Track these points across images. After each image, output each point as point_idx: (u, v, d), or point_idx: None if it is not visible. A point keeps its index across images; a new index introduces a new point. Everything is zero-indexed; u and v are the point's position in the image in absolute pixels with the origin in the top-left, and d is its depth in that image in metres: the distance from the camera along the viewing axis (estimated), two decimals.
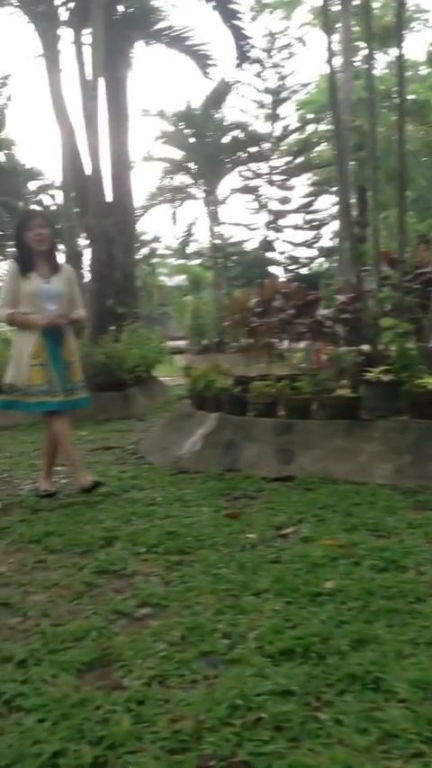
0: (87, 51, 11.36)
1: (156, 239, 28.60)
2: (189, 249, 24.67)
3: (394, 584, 2.74)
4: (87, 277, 11.44)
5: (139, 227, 23.22)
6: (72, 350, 4.61)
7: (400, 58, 6.26)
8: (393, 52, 20.82)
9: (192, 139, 19.97)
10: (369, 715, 1.85)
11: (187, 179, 21.53)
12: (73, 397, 4.54)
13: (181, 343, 18.52)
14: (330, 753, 1.68)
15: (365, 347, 5.62)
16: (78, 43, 12.08)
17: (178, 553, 3.29)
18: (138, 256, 21.39)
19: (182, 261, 26.95)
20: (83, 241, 13.06)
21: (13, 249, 4.88)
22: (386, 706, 1.90)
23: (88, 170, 11.01)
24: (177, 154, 20.94)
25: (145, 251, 27.47)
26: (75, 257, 11.69)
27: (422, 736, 1.76)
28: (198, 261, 26.16)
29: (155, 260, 29.99)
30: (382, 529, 3.52)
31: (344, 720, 1.83)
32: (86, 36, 11.62)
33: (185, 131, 20.02)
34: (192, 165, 20.71)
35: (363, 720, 1.83)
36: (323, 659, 2.16)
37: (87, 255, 11.98)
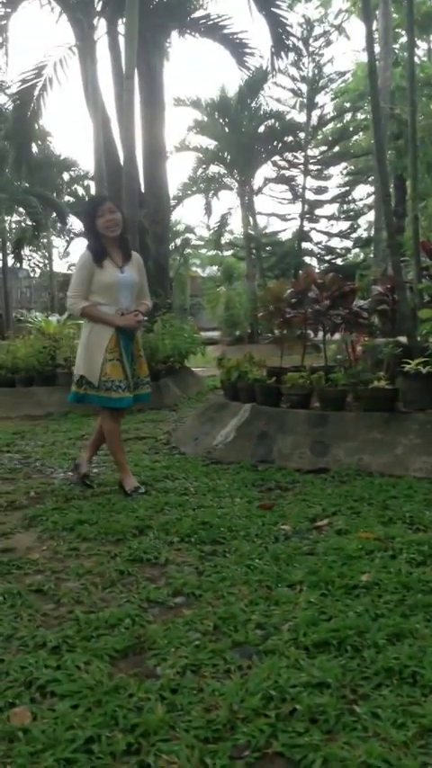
0: (122, 41, 11.37)
1: (189, 230, 28.64)
2: (223, 240, 24.61)
3: None
4: None
5: (173, 217, 23.26)
6: (140, 344, 4.49)
7: None
8: None
9: (226, 129, 19.85)
10: (406, 709, 1.82)
11: (221, 169, 21.43)
12: (139, 392, 4.43)
13: (214, 334, 18.55)
14: (367, 746, 1.65)
15: (403, 339, 5.53)
16: (113, 33, 12.10)
17: (211, 543, 3.28)
18: (171, 247, 21.42)
19: (215, 252, 26.92)
20: None
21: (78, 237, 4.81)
22: (424, 701, 1.86)
23: (122, 160, 11.03)
24: (211, 144, 20.85)
25: (178, 242, 27.52)
26: None
27: None
28: (231, 251, 26.12)
29: (188, 251, 30.04)
30: (420, 522, 3.46)
31: (380, 714, 1.79)
32: (121, 26, 11.62)
33: (220, 121, 19.91)
34: (226, 155, 20.60)
35: (400, 715, 1.79)
36: (359, 652, 2.13)
37: None
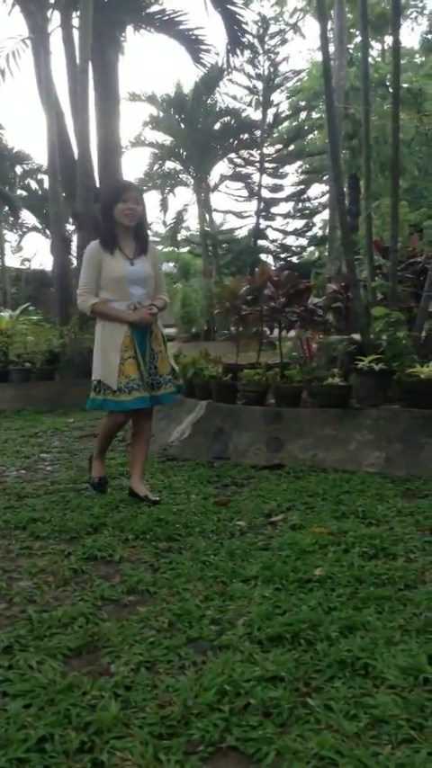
0: (76, 34, 11.23)
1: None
2: (179, 236, 24.56)
3: (384, 572, 2.73)
4: (74, 263, 11.36)
5: None
6: (160, 339, 4.09)
7: (395, 45, 6.22)
8: (388, 40, 20.75)
9: (182, 125, 19.80)
10: (358, 701, 1.84)
11: (177, 165, 21.39)
12: (159, 392, 4.05)
13: (170, 330, 18.48)
14: (319, 738, 1.67)
15: (357, 336, 5.60)
16: (67, 26, 11.94)
17: (167, 540, 3.27)
18: None
19: (171, 248, 26.84)
20: (70, 226, 12.97)
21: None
22: (376, 692, 1.89)
23: (76, 154, 10.91)
24: (167, 140, 20.78)
25: None
26: (63, 243, 11.60)
27: (412, 722, 1.74)
28: (188, 248, 26.09)
29: None
30: (372, 516, 3.52)
31: (333, 706, 1.81)
32: (76, 19, 11.48)
33: (176, 117, 19.86)
34: (182, 152, 20.56)
35: (352, 706, 1.81)
36: (312, 645, 2.15)
37: (75, 241, 11.91)
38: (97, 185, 11.77)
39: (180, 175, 21.60)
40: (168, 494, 4.14)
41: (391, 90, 6.63)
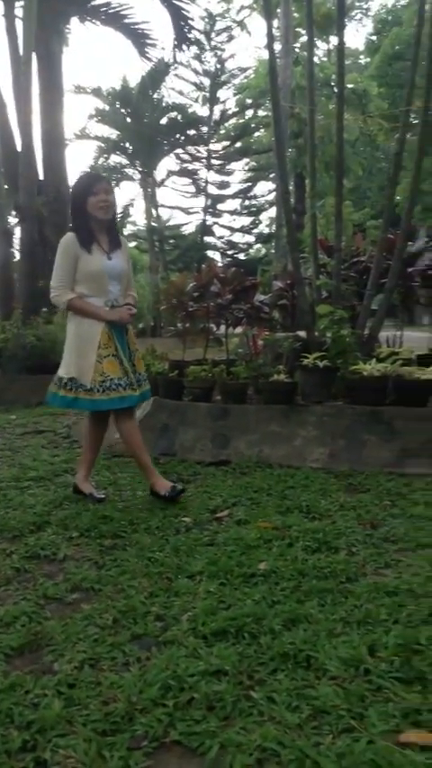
0: (20, 25, 11.03)
1: None
2: (125, 231, 24.37)
3: (326, 565, 2.78)
4: (17, 256, 11.16)
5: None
6: (134, 337, 4.04)
7: (340, 46, 6.30)
8: (333, 40, 20.99)
9: (128, 119, 19.66)
10: (301, 692, 1.87)
11: (123, 159, 21.23)
12: (140, 390, 3.95)
13: None
14: (262, 730, 1.69)
15: (302, 333, 5.67)
16: (10, 16, 11.72)
17: (112, 537, 3.25)
18: None
19: None
20: (13, 219, 12.72)
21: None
22: (317, 683, 1.92)
23: (19, 146, 10.71)
24: (113, 133, 20.59)
25: None
26: (4, 236, 11.39)
27: (352, 711, 1.79)
28: (134, 243, 25.91)
29: None
30: (316, 511, 3.57)
31: (276, 698, 1.84)
32: (19, 9, 11.27)
33: (122, 111, 19.69)
34: (128, 146, 20.41)
35: (294, 698, 1.85)
36: (256, 639, 2.18)
37: (18, 234, 11.69)
38: (41, 177, 11.60)
39: (126, 170, 21.45)
40: (114, 491, 4.12)
41: (335, 90, 6.73)
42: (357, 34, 41.05)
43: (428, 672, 1.96)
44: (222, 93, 20.70)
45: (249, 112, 21.55)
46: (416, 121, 6.32)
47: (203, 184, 21.12)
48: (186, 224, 23.57)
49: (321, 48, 23.43)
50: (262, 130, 21.19)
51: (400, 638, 2.12)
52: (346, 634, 2.20)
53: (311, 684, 1.92)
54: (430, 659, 2.01)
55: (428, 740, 1.67)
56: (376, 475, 4.30)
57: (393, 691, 1.88)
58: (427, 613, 2.32)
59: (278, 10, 14.71)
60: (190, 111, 20.12)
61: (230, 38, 20.24)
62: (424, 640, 2.12)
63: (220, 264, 16.90)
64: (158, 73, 18.09)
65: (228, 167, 21.45)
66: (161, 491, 3.80)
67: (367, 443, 4.61)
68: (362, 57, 27.09)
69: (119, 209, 22.41)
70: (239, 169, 23.08)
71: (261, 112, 21.58)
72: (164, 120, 19.85)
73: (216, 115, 20.66)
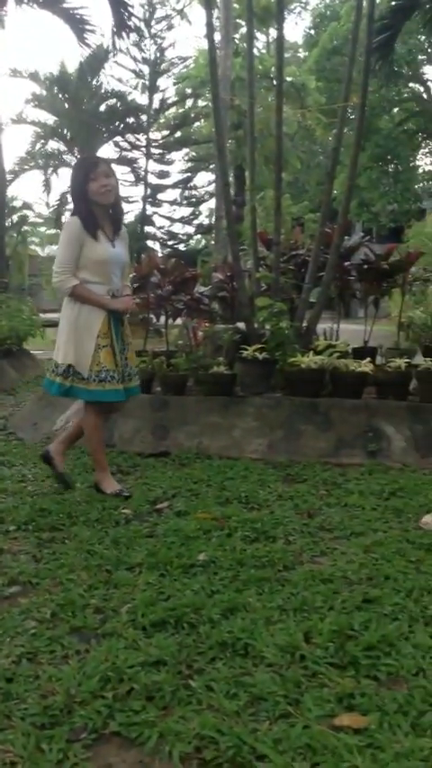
0: None
1: (27, 206, 27.56)
2: (63, 218, 23.98)
3: (264, 554, 2.84)
4: None
5: (9, 192, 22.29)
6: (129, 329, 3.93)
7: (279, 39, 6.35)
8: (273, 33, 21.08)
9: (66, 105, 19.30)
10: (238, 680, 1.91)
11: (61, 146, 20.85)
12: (130, 384, 3.86)
13: (54, 315, 18.05)
14: (201, 718, 1.72)
15: (242, 325, 5.71)
16: None
17: (50, 530, 3.22)
18: (7, 224, 20.56)
19: (55, 230, 26.16)
20: None
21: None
22: (255, 671, 1.97)
23: None
24: (51, 119, 20.19)
25: (15, 218, 26.42)
26: None
27: (289, 697, 1.84)
28: None
29: (26, 228, 28.91)
30: (254, 501, 3.62)
31: (214, 687, 1.87)
32: None
33: (59, 96, 19.32)
34: (66, 132, 20.05)
35: (232, 686, 1.88)
36: (195, 629, 2.20)
37: None
38: None
39: (64, 156, 21.07)
40: (52, 483, 4.07)
41: (275, 83, 6.78)
42: (296, 27, 41.44)
43: (362, 657, 2.02)
44: (162, 82, 20.60)
45: (189, 102, 21.48)
46: (353, 116, 6.42)
47: (143, 173, 20.96)
48: (126, 213, 23.32)
49: (261, 40, 23.50)
50: (202, 121, 21.14)
51: (335, 624, 2.18)
52: (282, 622, 2.25)
53: (249, 672, 1.96)
54: (363, 644, 2.08)
55: (361, 723, 1.73)
56: (313, 465, 4.39)
57: (328, 676, 1.94)
58: (360, 599, 2.40)
59: (218, 0, 14.69)
60: (130, 98, 19.92)
61: (170, 26, 20.08)
62: (357, 626, 2.19)
63: (160, 255, 16.83)
64: (97, 59, 17.81)
65: (168, 157, 21.34)
66: (107, 489, 3.77)
67: (304, 434, 4.69)
68: (300, 50, 27.28)
69: (57, 196, 22.04)
70: (179, 159, 22.99)
71: (201, 102, 21.51)
72: (103, 107, 19.58)
73: (156, 104, 20.50)
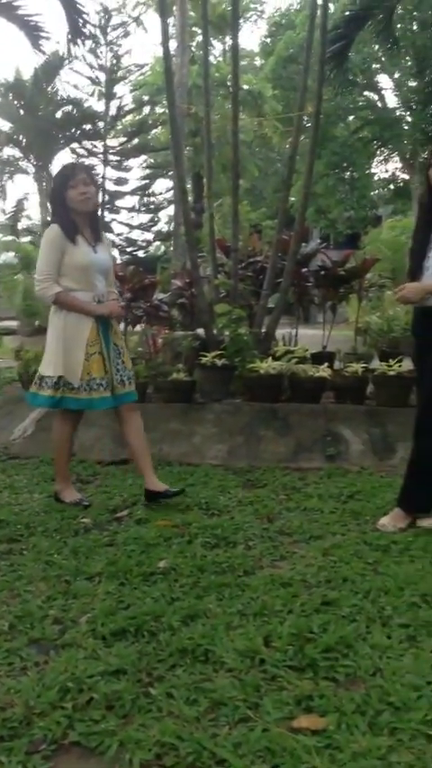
0: None
1: None
2: (20, 225, 23.70)
3: (225, 560, 2.85)
4: None
5: None
6: (119, 333, 3.86)
7: (234, 49, 6.40)
8: (229, 41, 21.22)
9: (21, 111, 19.11)
10: (199, 686, 1.92)
11: (17, 152, 20.62)
12: (126, 390, 3.76)
13: (11, 323, 17.82)
14: (160, 725, 1.73)
15: (201, 332, 5.73)
16: None
17: (7, 542, 3.18)
18: None
19: (11, 237, 25.86)
20: None
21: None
22: (215, 676, 1.98)
23: None
24: (6, 125, 19.98)
25: None
26: None
27: (248, 702, 1.85)
28: (30, 238, 25.24)
29: None
30: (215, 507, 3.64)
31: (174, 693, 1.88)
32: None
33: (15, 103, 19.13)
34: (21, 138, 19.85)
35: (192, 692, 1.89)
36: (155, 636, 2.21)
37: None
38: None
39: (20, 163, 20.85)
40: (10, 494, 4.02)
41: (231, 91, 6.83)
42: (252, 35, 41.66)
43: (320, 659, 2.05)
44: (119, 89, 20.39)
45: (146, 109, 21.43)
46: (309, 125, 6.51)
47: (100, 180, 20.84)
48: None
49: (217, 48, 23.62)
50: (159, 128, 21.12)
51: (294, 627, 2.20)
52: (242, 626, 2.27)
53: (209, 678, 1.97)
54: (322, 646, 2.11)
55: (319, 724, 1.76)
56: (273, 470, 4.42)
57: (287, 679, 1.96)
58: (319, 602, 2.43)
59: (174, 8, 14.75)
60: (86, 105, 19.80)
61: (126, 34, 20.01)
62: (316, 628, 2.22)
63: (118, 262, 16.77)
64: (53, 66, 17.66)
65: (125, 164, 21.23)
66: (66, 498, 3.75)
67: (264, 439, 4.73)
68: (257, 58, 27.47)
69: (13, 203, 21.79)
70: (137, 166, 22.93)
71: (158, 109, 21.51)
72: (59, 114, 19.40)
73: (112, 111, 20.40)
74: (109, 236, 20.78)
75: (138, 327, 6.66)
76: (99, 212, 3.88)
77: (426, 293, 3.20)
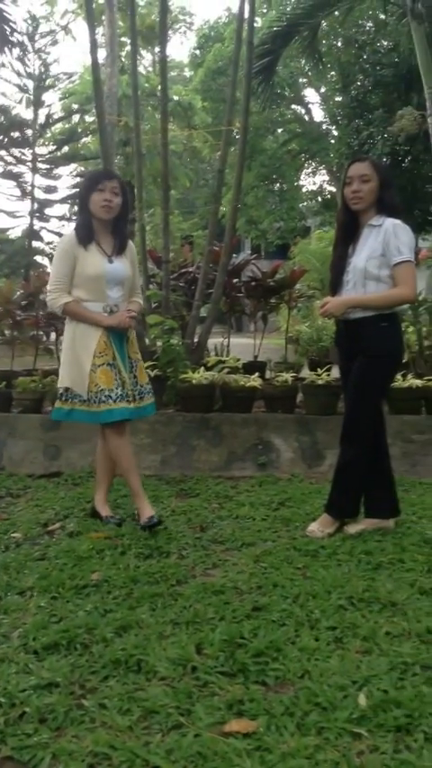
0: None
1: None
2: None
3: (158, 570, 2.88)
4: None
5: None
6: (136, 346, 3.74)
7: (162, 63, 6.46)
8: (158, 51, 21.30)
9: None
10: (132, 696, 1.94)
11: None
12: (141, 404, 3.68)
13: None
14: (93, 736, 1.74)
15: None
16: None
17: None
18: None
19: None
20: None
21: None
22: (147, 685, 2.01)
23: None
24: None
25: None
26: None
27: (180, 708, 1.89)
28: None
29: None
30: None
31: (107, 704, 1.90)
32: None
33: None
34: None
35: (125, 702, 1.91)
36: (88, 648, 2.22)
37: None
38: None
39: None
40: None
41: (160, 105, 6.86)
42: (182, 47, 42.00)
43: (251, 664, 2.11)
44: (48, 97, 20.32)
45: (76, 118, 21.27)
46: (239, 136, 6.61)
47: (29, 188, 20.56)
48: (12, 228, 22.77)
49: (147, 58, 23.68)
50: (89, 137, 21.00)
51: (225, 634, 2.25)
52: (175, 635, 2.30)
53: (142, 687, 2.00)
54: (253, 651, 2.17)
55: (250, 727, 1.81)
56: (206, 479, 4.48)
57: (219, 685, 2.01)
58: (250, 608, 2.49)
59: (103, 17, 14.71)
60: (14, 113, 19.52)
61: (55, 42, 19.88)
62: (247, 634, 2.27)
63: (49, 270, 16.54)
64: None
65: (55, 172, 21.02)
66: (142, 517, 3.48)
67: (197, 449, 4.78)
68: (186, 69, 27.65)
69: None
70: (67, 174, 22.73)
71: (88, 118, 21.38)
72: None
73: (41, 119, 20.19)
74: (38, 244, 20.55)
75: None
76: (122, 223, 3.68)
77: (346, 307, 3.33)
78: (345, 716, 1.85)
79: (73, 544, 3.22)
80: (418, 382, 4.80)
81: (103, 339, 3.50)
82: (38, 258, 20.55)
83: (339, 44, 18.56)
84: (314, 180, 26.15)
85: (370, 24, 17.26)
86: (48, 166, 20.70)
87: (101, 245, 3.55)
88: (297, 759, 1.68)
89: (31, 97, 19.59)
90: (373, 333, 3.30)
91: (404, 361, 4.84)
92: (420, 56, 7.99)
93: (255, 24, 7.30)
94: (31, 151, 20.03)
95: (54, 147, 20.65)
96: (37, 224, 21.08)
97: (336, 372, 4.67)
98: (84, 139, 21.35)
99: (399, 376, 4.76)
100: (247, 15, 6.21)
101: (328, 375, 5.04)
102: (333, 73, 19.40)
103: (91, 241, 3.52)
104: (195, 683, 2.02)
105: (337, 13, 10.32)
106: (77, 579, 2.78)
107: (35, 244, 21.14)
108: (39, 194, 20.77)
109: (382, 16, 15.59)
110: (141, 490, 3.54)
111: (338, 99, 19.26)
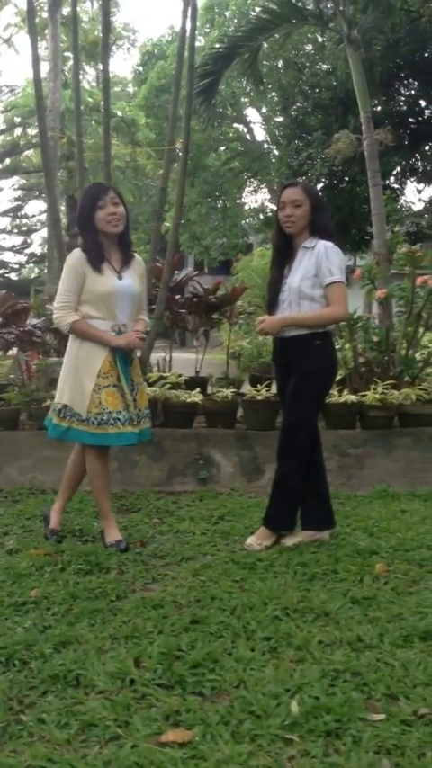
0: None
1: None
2: None
3: (98, 586, 2.91)
4: None
5: None
6: (139, 368, 3.66)
7: (105, 81, 6.51)
8: (101, 67, 21.38)
9: None
10: (70, 710, 1.97)
11: None
12: (141, 428, 3.57)
13: None
14: (32, 750, 1.77)
15: None
16: None
17: None
18: None
19: None
20: None
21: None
22: (86, 699, 2.04)
23: None
24: None
25: None
26: None
27: (118, 721, 1.93)
28: None
29: None
30: (89, 534, 3.68)
31: (46, 718, 1.92)
32: None
33: None
34: None
35: (64, 716, 1.94)
36: (26, 664, 2.23)
37: None
38: None
39: None
40: None
41: (103, 121, 6.91)
42: (125, 63, 42.15)
43: (188, 675, 2.16)
44: None
45: (18, 131, 21.14)
46: (181, 153, 6.72)
47: None
48: None
49: (91, 73, 23.71)
50: (32, 150, 20.89)
51: (164, 646, 2.30)
52: (114, 650, 2.34)
53: (80, 701, 2.03)
54: (190, 663, 2.22)
55: (186, 737, 1.86)
56: (147, 494, 4.52)
57: (156, 696, 2.05)
58: (188, 621, 2.54)
59: (46, 32, 14.72)
60: None
61: None
62: (185, 646, 2.33)
63: None
64: None
65: None
66: (107, 538, 3.51)
67: (138, 464, 4.81)
68: (130, 85, 27.79)
69: None
70: (8, 187, 22.54)
71: (31, 131, 21.27)
72: None
73: None
74: None
75: (10, 353, 6.57)
76: (127, 233, 3.59)
77: (282, 325, 3.44)
78: (278, 723, 1.91)
79: (12, 561, 3.22)
80: (353, 398, 4.95)
81: (109, 359, 3.43)
82: None
83: (280, 65, 19.01)
84: (256, 198, 26.61)
85: (309, 47, 17.74)
86: None
87: (110, 262, 3.48)
88: (231, 766, 1.74)
89: None
90: (307, 350, 3.42)
91: (339, 377, 4.99)
92: (356, 80, 8.28)
93: (198, 43, 7.44)
94: None
95: None
96: None
97: (276, 388, 4.78)
98: (26, 152, 21.22)
99: (334, 391, 4.90)
100: (188, 36, 6.32)
101: (268, 390, 5.14)
102: (274, 94, 19.83)
103: (102, 261, 3.44)
104: (133, 695, 2.06)
105: (277, 35, 10.58)
106: (16, 596, 2.78)
107: None
108: None
109: (321, 39, 16.06)
110: (111, 513, 3.57)
111: (279, 119, 19.68)
